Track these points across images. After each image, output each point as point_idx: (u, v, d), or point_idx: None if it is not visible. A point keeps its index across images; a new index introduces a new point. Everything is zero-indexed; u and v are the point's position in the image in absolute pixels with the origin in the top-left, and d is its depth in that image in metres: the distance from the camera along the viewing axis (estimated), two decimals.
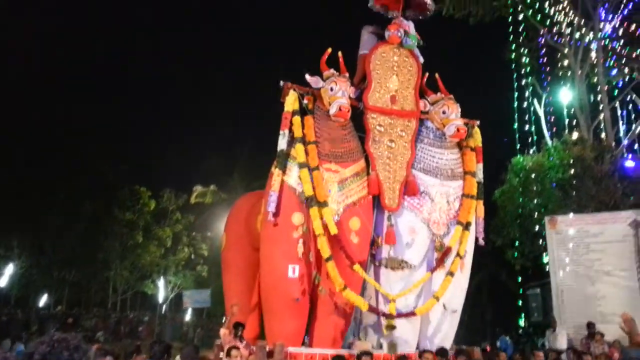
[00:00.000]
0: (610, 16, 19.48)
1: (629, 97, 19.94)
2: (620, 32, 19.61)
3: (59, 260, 22.02)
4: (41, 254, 21.89)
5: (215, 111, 24.10)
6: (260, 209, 8.53)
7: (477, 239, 8.27)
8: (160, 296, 23.39)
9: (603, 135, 19.36)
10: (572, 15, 19.87)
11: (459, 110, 8.17)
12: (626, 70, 19.67)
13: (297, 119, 7.82)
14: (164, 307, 24.62)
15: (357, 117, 8.10)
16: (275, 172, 7.61)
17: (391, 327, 7.41)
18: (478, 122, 8.50)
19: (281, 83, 7.98)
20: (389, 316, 7.43)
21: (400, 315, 7.51)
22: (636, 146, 19.82)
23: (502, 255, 19.54)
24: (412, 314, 7.59)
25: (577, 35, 19.48)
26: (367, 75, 8.14)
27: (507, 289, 22.06)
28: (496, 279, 22.29)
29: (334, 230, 7.48)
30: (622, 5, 19.49)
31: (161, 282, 23.23)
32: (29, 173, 22.50)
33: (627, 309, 10.70)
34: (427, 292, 7.85)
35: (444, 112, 8.10)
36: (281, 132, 7.71)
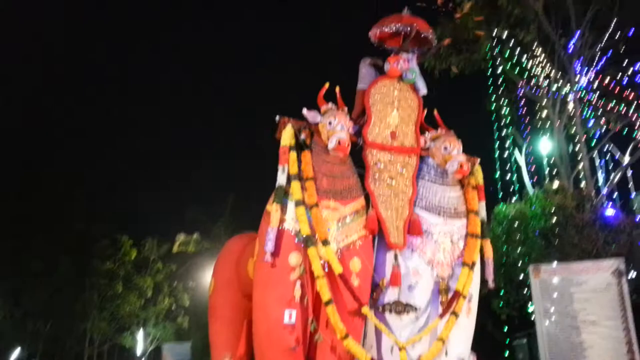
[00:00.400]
0: (585, 70, 19.54)
1: (606, 147, 19.91)
2: (595, 84, 19.70)
3: (35, 311, 20.83)
4: (15, 305, 20.69)
5: (199, 160, 23.39)
6: (253, 252, 7.86)
7: (486, 282, 7.66)
8: (139, 349, 22.16)
9: (583, 184, 19.24)
10: (549, 69, 19.93)
11: (461, 146, 7.67)
12: (602, 121, 19.72)
13: (293, 154, 7.24)
14: None
15: (356, 153, 7.56)
16: (273, 207, 6.95)
17: None
18: (479, 160, 7.96)
19: (277, 118, 7.42)
20: None
21: None
22: (615, 195, 19.79)
23: (488, 305, 18.94)
24: None
25: (555, 87, 19.48)
26: (366, 110, 7.64)
27: (494, 339, 21.36)
28: (483, 329, 21.52)
29: (339, 269, 6.79)
30: (596, 60, 19.62)
31: (140, 334, 22.07)
32: (9, 212, 21.54)
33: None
34: (431, 338, 7.15)
35: (445, 149, 7.58)
36: (280, 166, 7.10)
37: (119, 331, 22.11)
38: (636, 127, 19.06)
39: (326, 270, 6.83)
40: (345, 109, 7.48)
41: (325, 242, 6.86)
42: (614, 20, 17.82)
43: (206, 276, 21.29)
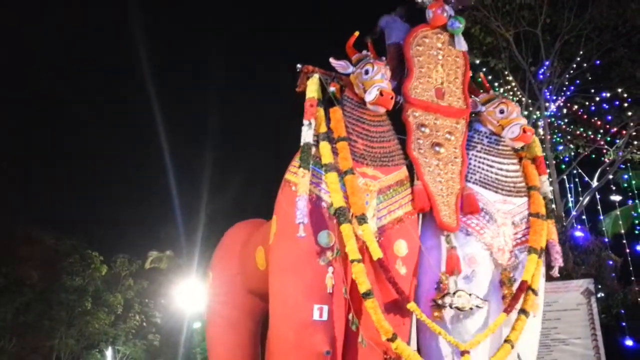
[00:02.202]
0: (555, 97, 18.25)
1: (575, 171, 18.62)
2: (564, 111, 18.45)
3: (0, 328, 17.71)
4: None
5: (173, 175, 20.87)
6: (262, 239, 5.68)
7: (549, 268, 5.61)
8: None
9: (553, 206, 17.80)
10: (520, 95, 18.60)
11: (520, 110, 5.70)
12: (571, 146, 18.46)
13: (320, 110, 5.16)
14: None
15: (394, 115, 5.49)
16: (300, 172, 4.82)
17: None
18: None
19: (298, 66, 5.34)
20: None
21: None
22: (584, 217, 18.49)
23: None
24: None
25: (526, 113, 18.12)
26: (407, 62, 5.59)
27: None
28: None
29: (378, 253, 4.66)
30: (565, 88, 18.40)
31: (109, 352, 19.12)
32: None
33: None
34: (492, 338, 5.03)
35: (501, 112, 5.61)
36: (305, 121, 5.01)
37: (88, 349, 19.09)
38: (604, 152, 17.73)
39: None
40: (383, 58, 5.46)
41: (362, 218, 4.75)
42: (581, 52, 16.52)
43: (178, 294, 18.76)
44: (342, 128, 5.03)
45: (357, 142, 5.09)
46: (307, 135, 4.95)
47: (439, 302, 4.84)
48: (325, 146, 4.95)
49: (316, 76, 5.20)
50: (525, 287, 5.11)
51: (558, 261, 5.51)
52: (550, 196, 5.73)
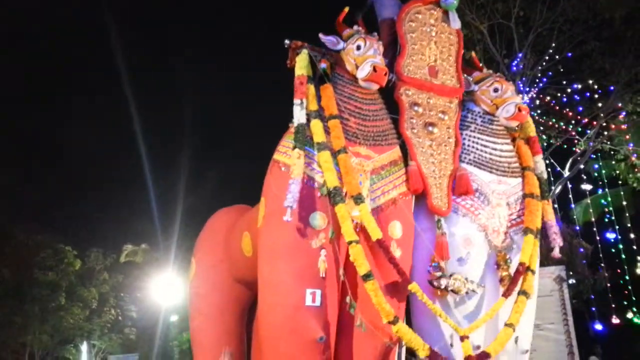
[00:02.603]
0: (528, 88, 18.24)
1: (547, 161, 18.66)
2: (537, 102, 18.47)
3: None
4: None
5: (148, 167, 20.22)
6: (248, 225, 5.35)
7: (549, 251, 5.40)
8: None
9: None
10: None
11: (514, 88, 5.47)
12: (544, 136, 18.50)
13: (311, 87, 4.83)
14: None
15: (386, 93, 5.20)
16: (295, 153, 4.48)
17: None
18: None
19: (287, 42, 4.99)
20: None
21: (477, 357, 4.38)
22: (556, 206, 18.58)
23: None
24: (485, 355, 4.48)
25: None
26: (399, 39, 5.27)
27: None
28: None
29: (377, 233, 4.38)
30: (537, 79, 18.41)
31: (84, 347, 18.51)
32: None
33: None
34: (490, 324, 4.79)
35: (495, 90, 5.35)
36: (296, 100, 4.67)
37: (62, 344, 18.43)
38: (575, 142, 17.79)
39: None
40: (375, 34, 5.15)
41: (358, 198, 4.45)
42: (553, 44, 16.49)
43: (154, 287, 18.26)
44: (333, 106, 4.72)
45: (350, 120, 4.78)
46: (300, 115, 4.61)
47: (435, 283, 4.58)
48: (317, 124, 4.63)
49: (305, 52, 4.87)
50: (524, 269, 4.89)
51: (557, 241, 5.32)
52: (545, 176, 5.51)
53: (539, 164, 5.47)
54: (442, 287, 4.54)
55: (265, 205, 4.66)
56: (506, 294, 4.73)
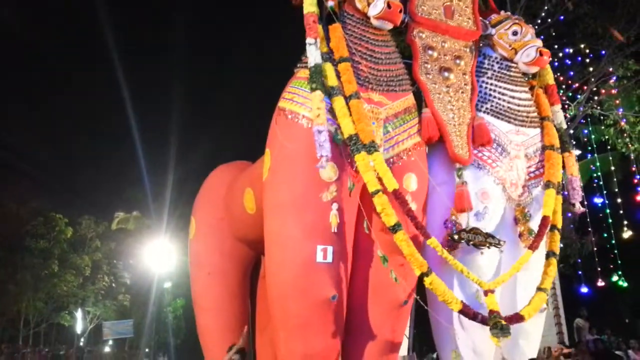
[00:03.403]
0: None
1: None
2: None
3: None
4: None
5: (138, 135, 19.50)
6: (250, 181, 4.88)
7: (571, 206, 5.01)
8: (78, 328, 18.18)
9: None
10: None
11: (534, 32, 4.99)
12: None
13: (319, 28, 4.29)
14: (81, 339, 19.29)
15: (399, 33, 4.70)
16: (316, 96, 3.95)
17: (505, 332, 3.83)
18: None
19: None
20: (494, 317, 3.88)
21: (509, 319, 4.00)
22: None
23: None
24: (519, 318, 4.10)
25: None
26: None
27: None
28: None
29: (393, 184, 3.93)
30: None
31: (79, 313, 18.07)
32: None
33: None
34: (510, 285, 4.41)
35: (514, 34, 4.87)
36: (309, 40, 4.11)
37: (57, 311, 17.95)
38: (566, 107, 17.41)
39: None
40: None
41: (371, 147, 3.98)
42: (545, 7, 15.88)
43: (147, 254, 17.81)
44: (344, 47, 4.20)
45: (361, 63, 4.27)
46: (315, 54, 4.07)
47: (455, 237, 4.16)
48: (329, 67, 4.12)
49: None
50: (548, 223, 4.50)
51: (577, 198, 4.90)
52: (564, 126, 5.07)
53: (558, 113, 5.05)
54: (463, 241, 4.14)
55: (271, 157, 4.18)
56: (532, 247, 4.34)
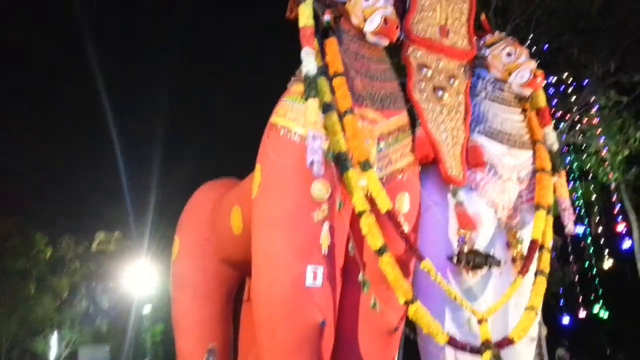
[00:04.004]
0: None
1: None
2: None
3: None
4: None
5: (122, 153, 19.14)
6: (238, 199, 4.71)
7: (562, 228, 4.91)
8: (52, 353, 17.52)
9: None
10: None
11: (528, 53, 4.94)
12: None
13: (314, 42, 4.18)
14: None
15: (393, 52, 4.62)
16: (310, 104, 3.80)
17: None
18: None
19: None
20: (486, 347, 3.71)
21: (499, 344, 3.84)
22: None
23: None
24: (508, 342, 3.94)
25: None
26: None
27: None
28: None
29: (387, 204, 3.79)
30: None
31: (54, 338, 17.43)
32: None
33: None
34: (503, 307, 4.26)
35: (508, 55, 4.82)
36: (305, 49, 3.99)
37: (31, 335, 17.29)
38: None
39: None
40: None
41: (366, 164, 3.85)
42: (531, 36, 16.14)
43: (127, 277, 17.37)
44: (339, 62, 4.08)
45: (355, 79, 4.16)
46: (310, 64, 3.92)
47: (454, 259, 4.03)
48: (323, 82, 4.00)
49: (309, 0, 4.21)
50: (537, 247, 4.39)
51: (570, 219, 4.81)
52: (555, 148, 5.00)
53: (550, 135, 4.97)
54: (463, 263, 4.00)
55: (262, 173, 4.02)
56: (522, 272, 4.22)
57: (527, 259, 4.29)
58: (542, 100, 5.09)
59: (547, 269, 4.36)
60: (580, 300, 14.67)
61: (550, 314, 14.07)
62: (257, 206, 4.00)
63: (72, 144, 22.13)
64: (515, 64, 4.74)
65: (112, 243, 18.47)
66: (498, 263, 4.15)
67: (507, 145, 4.67)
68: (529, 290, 4.37)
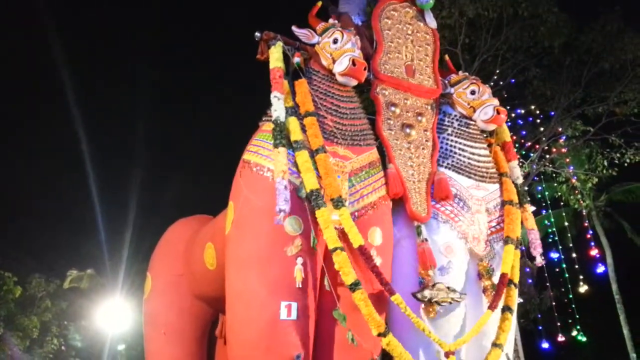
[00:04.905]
0: None
1: None
2: None
3: None
4: None
5: (95, 188, 18.94)
6: (210, 236, 4.76)
7: (531, 259, 5.05)
8: None
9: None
10: None
11: (491, 91, 5.16)
12: None
13: (285, 83, 4.34)
14: None
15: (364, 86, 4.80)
16: (279, 152, 3.95)
17: None
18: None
19: (257, 34, 4.50)
20: None
21: None
22: None
23: None
24: None
25: None
26: (375, 35, 4.89)
27: None
28: None
29: (359, 240, 3.90)
30: None
31: None
32: None
33: None
34: (479, 337, 4.35)
35: (472, 93, 5.04)
36: (275, 93, 4.17)
37: None
38: (520, 165, 17.97)
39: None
40: (351, 28, 4.74)
41: (338, 201, 3.96)
42: (497, 71, 16.69)
43: (100, 315, 16.96)
44: (309, 102, 4.25)
45: (326, 118, 4.31)
46: (278, 108, 4.10)
47: (418, 296, 4.11)
48: (293, 122, 4.14)
49: (279, 43, 4.39)
50: (506, 280, 4.51)
51: (537, 251, 4.96)
52: (520, 181, 5.19)
53: (515, 169, 5.18)
54: (427, 299, 4.09)
55: (235, 210, 4.09)
56: (492, 307, 4.33)
57: (496, 295, 4.40)
58: (506, 135, 5.31)
59: (513, 305, 4.47)
60: (558, 325, 14.84)
61: (529, 340, 14.19)
62: (231, 243, 4.05)
63: (44, 179, 21.78)
64: (479, 101, 4.96)
65: (84, 280, 18.07)
66: (461, 297, 4.24)
67: (475, 179, 4.84)
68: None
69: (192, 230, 5.18)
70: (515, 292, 4.54)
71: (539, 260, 4.97)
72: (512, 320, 4.49)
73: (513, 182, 5.08)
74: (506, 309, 4.44)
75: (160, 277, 5.21)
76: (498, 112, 4.88)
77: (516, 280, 4.61)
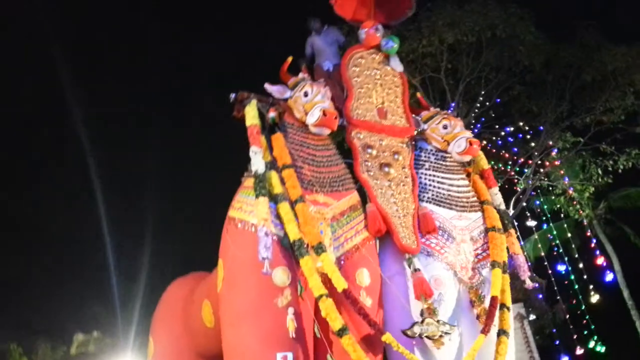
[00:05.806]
0: None
1: None
2: None
3: None
4: None
5: (111, 247, 18.89)
6: (207, 293, 4.91)
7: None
8: None
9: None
10: None
11: (462, 123, 5.39)
12: None
13: (262, 138, 4.57)
14: None
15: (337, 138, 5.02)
16: (261, 202, 4.13)
17: None
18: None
19: (232, 95, 4.75)
20: None
21: None
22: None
23: None
24: None
25: None
26: (345, 83, 5.15)
27: None
28: None
29: (342, 284, 4.03)
30: (472, 126, 18.83)
31: None
32: None
33: None
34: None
35: (445, 127, 5.25)
36: (254, 148, 4.38)
37: None
38: (515, 181, 18.12)
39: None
40: (321, 80, 5.00)
41: (319, 248, 4.12)
42: (482, 92, 17.07)
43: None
44: (286, 155, 4.45)
45: (304, 168, 4.52)
46: (258, 162, 4.31)
47: (409, 332, 4.23)
48: (274, 176, 4.34)
49: (254, 101, 4.64)
50: (497, 303, 4.62)
51: (526, 273, 5.10)
52: (503, 207, 5.36)
53: (497, 196, 5.35)
54: (417, 335, 4.21)
55: (224, 267, 4.25)
56: (485, 331, 4.43)
57: (488, 318, 4.50)
58: (484, 163, 5.49)
59: (508, 328, 4.57)
60: (574, 338, 14.71)
61: (547, 356, 14.06)
62: (223, 300, 4.19)
63: (51, 240, 21.45)
64: (452, 134, 5.17)
65: (91, 343, 17.99)
66: (451, 330, 4.34)
67: (457, 209, 5.00)
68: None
69: (189, 289, 5.31)
70: (508, 315, 4.64)
71: (529, 283, 5.10)
72: (509, 343, 4.57)
73: (495, 208, 5.24)
74: (502, 332, 4.53)
75: (161, 340, 5.32)
76: (471, 144, 5.07)
77: (508, 303, 4.71)
